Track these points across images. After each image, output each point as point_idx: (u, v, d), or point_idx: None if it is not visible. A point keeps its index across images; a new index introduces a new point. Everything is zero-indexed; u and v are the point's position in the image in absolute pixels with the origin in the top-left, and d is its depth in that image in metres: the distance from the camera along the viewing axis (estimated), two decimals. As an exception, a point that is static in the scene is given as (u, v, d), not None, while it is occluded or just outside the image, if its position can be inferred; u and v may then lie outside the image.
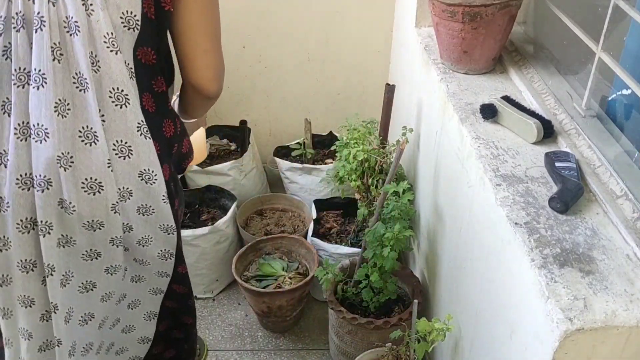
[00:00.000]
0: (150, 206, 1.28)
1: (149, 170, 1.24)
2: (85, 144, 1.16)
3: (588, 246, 1.09)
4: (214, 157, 2.52)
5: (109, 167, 1.18)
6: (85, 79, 1.13)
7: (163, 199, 1.28)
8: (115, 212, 1.23)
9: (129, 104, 1.18)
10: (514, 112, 1.41)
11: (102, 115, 1.17)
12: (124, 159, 1.21)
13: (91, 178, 1.18)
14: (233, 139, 2.58)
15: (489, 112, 1.45)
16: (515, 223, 1.15)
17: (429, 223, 1.84)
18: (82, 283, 1.32)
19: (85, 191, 1.18)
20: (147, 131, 1.22)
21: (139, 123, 1.20)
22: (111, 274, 1.35)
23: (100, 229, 1.24)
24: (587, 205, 1.19)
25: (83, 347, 1.44)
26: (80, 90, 1.14)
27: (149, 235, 1.33)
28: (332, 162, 2.38)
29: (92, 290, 1.35)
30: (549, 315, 0.98)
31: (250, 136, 2.47)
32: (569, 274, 1.03)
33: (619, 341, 0.97)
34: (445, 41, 1.66)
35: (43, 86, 1.11)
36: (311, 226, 2.20)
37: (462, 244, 1.51)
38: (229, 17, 2.33)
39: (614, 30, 1.29)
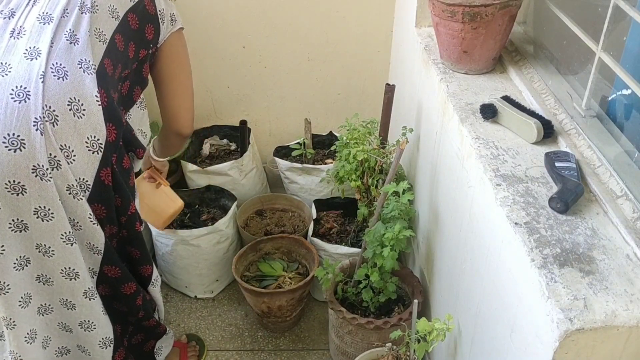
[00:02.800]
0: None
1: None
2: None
3: (588, 246, 1.09)
4: (214, 157, 2.52)
5: None
6: None
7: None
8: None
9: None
10: (514, 112, 1.41)
11: None
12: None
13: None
14: (233, 139, 2.58)
15: (489, 112, 1.45)
16: (515, 223, 1.15)
17: (429, 223, 1.84)
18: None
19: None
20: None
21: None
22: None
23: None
24: (587, 205, 1.19)
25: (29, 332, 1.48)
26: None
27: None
28: (332, 162, 2.38)
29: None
30: (549, 315, 0.98)
31: (250, 136, 2.47)
32: (569, 274, 1.03)
33: (619, 341, 0.97)
34: (445, 41, 1.66)
35: None
36: (311, 226, 2.20)
37: (462, 244, 1.51)
38: (229, 17, 2.33)
39: (614, 30, 1.29)
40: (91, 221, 1.37)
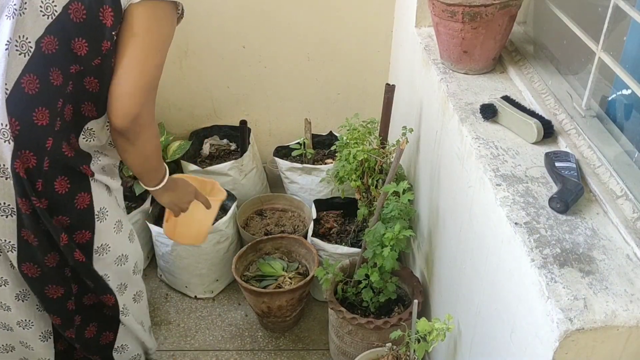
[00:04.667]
0: None
1: None
2: None
3: (588, 246, 1.09)
4: (214, 157, 2.52)
5: None
6: None
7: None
8: None
9: None
10: (514, 112, 1.41)
11: None
12: None
13: None
14: (233, 139, 2.58)
15: (489, 112, 1.45)
16: (515, 223, 1.15)
17: (429, 223, 1.84)
18: None
19: None
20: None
21: None
22: None
23: None
24: (587, 205, 1.19)
25: None
26: None
27: None
28: (332, 162, 2.38)
29: None
30: (549, 315, 0.98)
31: (250, 136, 2.47)
32: (569, 274, 1.03)
33: (619, 341, 0.97)
34: (445, 41, 1.66)
35: None
36: (311, 226, 2.20)
37: (462, 244, 1.51)
38: (229, 17, 2.33)
39: (614, 30, 1.29)
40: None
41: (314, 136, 2.50)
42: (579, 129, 1.36)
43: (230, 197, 2.32)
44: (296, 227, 2.37)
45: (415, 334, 1.55)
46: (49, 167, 1.31)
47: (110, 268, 1.56)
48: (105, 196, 1.49)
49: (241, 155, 2.40)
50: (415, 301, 1.61)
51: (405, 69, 2.16)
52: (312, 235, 2.17)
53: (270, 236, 2.23)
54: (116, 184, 1.55)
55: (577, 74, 1.51)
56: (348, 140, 2.02)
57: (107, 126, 1.43)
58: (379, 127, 2.01)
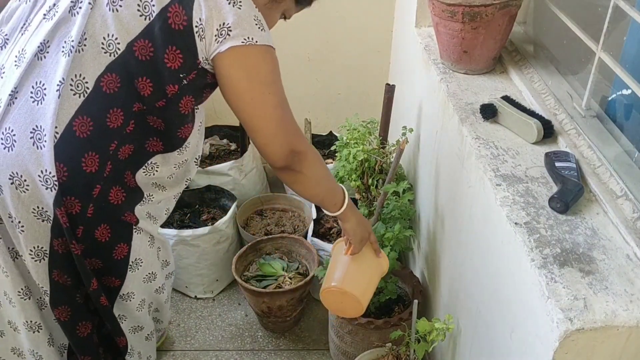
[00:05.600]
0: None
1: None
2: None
3: (588, 246, 1.09)
4: (214, 157, 2.52)
5: None
6: None
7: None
8: None
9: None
10: (514, 112, 1.41)
11: None
12: None
13: None
14: (233, 139, 2.58)
15: (489, 112, 1.45)
16: (515, 223, 1.15)
17: (429, 223, 1.84)
18: None
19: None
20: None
21: None
22: None
23: None
24: (587, 205, 1.19)
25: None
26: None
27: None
28: (332, 162, 2.38)
29: None
30: (549, 315, 0.98)
31: (250, 136, 2.47)
32: (569, 274, 1.03)
33: (619, 341, 0.97)
34: (445, 41, 1.66)
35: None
36: (311, 226, 2.20)
37: (462, 244, 1.51)
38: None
39: (614, 30, 1.29)
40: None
41: (314, 136, 2.50)
42: (579, 129, 1.36)
43: (230, 197, 2.32)
44: (296, 227, 2.37)
45: (415, 334, 1.55)
46: (93, 215, 1.26)
47: (129, 312, 1.52)
48: (145, 247, 1.45)
49: (241, 155, 2.40)
50: (415, 301, 1.61)
51: (405, 69, 2.16)
52: (312, 235, 2.17)
53: (270, 236, 2.23)
54: (156, 228, 1.50)
55: (577, 74, 1.51)
56: (348, 140, 2.02)
57: (176, 165, 1.37)
58: (379, 127, 2.01)
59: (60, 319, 1.37)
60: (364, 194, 2.05)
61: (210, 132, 2.57)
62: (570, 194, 1.17)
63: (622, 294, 0.99)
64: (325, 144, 2.54)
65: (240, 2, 1.12)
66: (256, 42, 1.13)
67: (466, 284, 1.48)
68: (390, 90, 1.91)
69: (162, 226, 2.15)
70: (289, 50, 2.42)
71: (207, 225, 2.15)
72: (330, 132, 2.54)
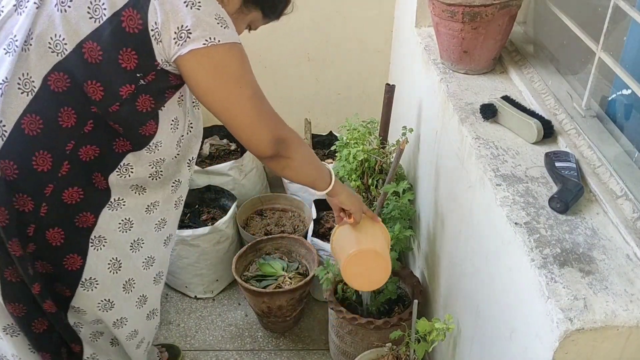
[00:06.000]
0: None
1: None
2: None
3: (588, 246, 1.09)
4: (214, 157, 2.52)
5: None
6: None
7: None
8: None
9: None
10: (514, 112, 1.41)
11: None
12: None
13: None
14: (233, 139, 2.57)
15: (489, 112, 1.45)
16: (515, 223, 1.15)
17: (429, 223, 1.84)
18: None
19: None
20: None
21: None
22: None
23: None
24: (587, 205, 1.19)
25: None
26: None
27: None
28: (332, 162, 2.38)
29: None
30: (549, 315, 0.98)
31: (250, 136, 2.46)
32: (569, 274, 1.03)
33: (619, 341, 0.97)
34: (445, 41, 1.66)
35: None
36: (311, 226, 2.20)
37: (462, 244, 1.51)
38: (229, 17, 2.33)
39: (614, 30, 1.29)
40: None
41: (314, 136, 2.50)
42: (579, 129, 1.36)
43: (230, 197, 2.32)
44: (296, 227, 2.37)
45: (415, 334, 1.55)
46: (46, 214, 1.22)
47: (84, 322, 1.43)
48: (104, 269, 1.34)
49: (241, 155, 2.40)
50: (415, 301, 1.61)
51: (405, 69, 2.16)
52: (312, 235, 2.17)
53: (270, 236, 2.23)
54: (128, 248, 1.37)
55: (577, 74, 1.51)
56: (348, 140, 2.02)
57: (151, 164, 1.30)
58: (379, 127, 2.01)
59: (14, 314, 1.31)
60: (364, 194, 2.05)
61: (210, 132, 2.57)
62: (570, 194, 1.17)
63: (622, 294, 0.99)
64: (325, 144, 2.54)
65: (199, 2, 1.09)
66: (219, 41, 1.10)
67: (466, 284, 1.48)
68: (390, 90, 1.91)
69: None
70: (289, 50, 2.43)
71: (207, 225, 2.15)
72: (330, 132, 2.54)
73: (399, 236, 1.70)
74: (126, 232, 1.35)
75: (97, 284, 1.35)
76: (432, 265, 1.83)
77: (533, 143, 1.38)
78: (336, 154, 2.11)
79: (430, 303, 1.87)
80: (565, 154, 1.29)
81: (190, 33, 1.09)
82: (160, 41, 1.10)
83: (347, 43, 2.40)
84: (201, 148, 2.54)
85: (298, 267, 2.17)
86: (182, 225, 2.25)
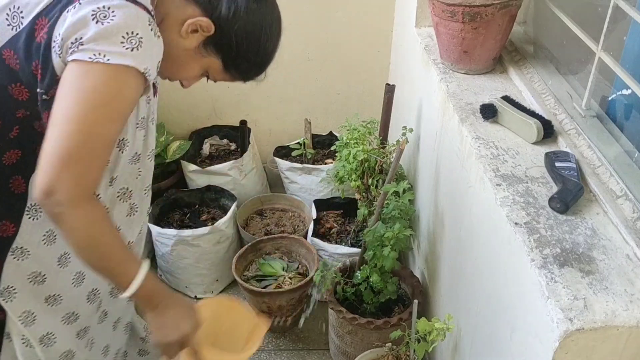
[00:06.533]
0: None
1: None
2: None
3: (588, 246, 1.09)
4: (214, 157, 2.52)
5: None
6: None
7: None
8: None
9: None
10: (514, 112, 1.41)
11: None
12: None
13: None
14: (233, 139, 2.58)
15: (489, 112, 1.45)
16: (515, 223, 1.15)
17: (429, 223, 1.84)
18: None
19: None
20: None
21: None
22: None
23: None
24: (587, 205, 1.19)
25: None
26: None
27: None
28: (332, 162, 2.38)
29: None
30: (549, 315, 0.98)
31: (250, 136, 2.47)
32: (569, 274, 1.03)
33: (619, 341, 0.97)
34: (445, 41, 1.66)
35: None
36: (311, 226, 2.20)
37: (462, 244, 1.51)
38: (229, 17, 2.33)
39: (614, 30, 1.29)
40: None
41: (314, 136, 2.50)
42: (579, 129, 1.36)
43: (230, 197, 2.32)
44: (296, 227, 2.37)
45: (415, 334, 1.55)
46: None
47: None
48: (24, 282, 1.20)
49: (241, 155, 2.40)
50: (415, 301, 1.61)
51: (405, 69, 2.16)
52: (312, 235, 2.17)
53: (270, 236, 2.23)
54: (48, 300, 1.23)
55: (577, 74, 1.51)
56: (348, 140, 2.02)
57: None
58: (379, 127, 2.01)
59: None
60: (364, 194, 2.06)
61: (210, 132, 2.57)
62: (570, 194, 1.17)
63: (622, 294, 0.99)
64: (325, 144, 2.54)
65: (111, 16, 0.96)
66: (108, 60, 0.95)
67: (466, 284, 1.48)
68: (390, 90, 1.91)
69: (162, 226, 2.16)
70: (289, 50, 2.42)
71: (207, 225, 2.15)
72: (330, 132, 2.54)
73: (399, 236, 1.70)
74: (51, 244, 1.21)
75: (15, 293, 1.22)
76: (432, 265, 1.83)
77: (533, 143, 1.38)
78: (336, 154, 2.11)
79: (430, 303, 1.87)
80: (565, 154, 1.29)
81: (82, 44, 0.96)
82: (60, 54, 0.99)
83: (347, 43, 2.40)
84: (201, 148, 2.54)
85: (298, 267, 2.17)
86: (182, 225, 2.25)
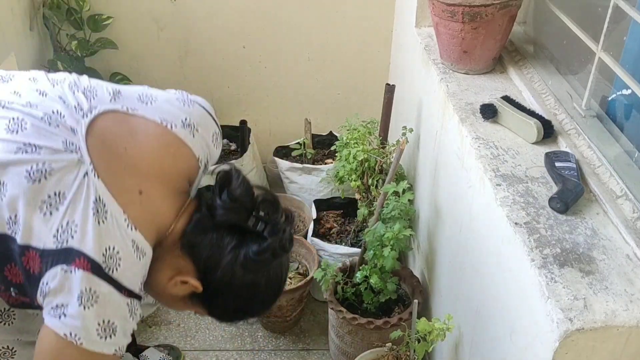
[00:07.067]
0: None
1: None
2: None
3: (588, 246, 1.09)
4: (214, 157, 2.52)
5: None
6: None
7: None
8: None
9: None
10: (514, 112, 1.41)
11: None
12: None
13: None
14: (233, 139, 2.57)
15: (489, 112, 1.45)
16: (515, 223, 1.15)
17: (429, 223, 1.84)
18: None
19: None
20: None
21: None
22: None
23: None
24: (587, 205, 1.19)
25: None
26: None
27: None
28: (332, 162, 2.38)
29: None
30: (549, 315, 0.98)
31: (250, 136, 2.47)
32: (569, 274, 1.03)
33: (619, 341, 0.97)
34: (445, 41, 1.66)
35: None
36: (311, 226, 2.20)
37: (462, 244, 1.50)
38: (230, 17, 2.33)
39: (614, 30, 1.29)
40: None
41: (314, 136, 2.50)
42: (579, 129, 1.36)
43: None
44: (296, 227, 2.37)
45: (415, 334, 1.55)
46: None
47: None
48: None
49: (241, 155, 2.40)
50: (415, 301, 1.61)
51: (405, 69, 2.16)
52: (312, 235, 2.17)
53: (270, 236, 2.23)
54: None
55: (577, 74, 1.51)
56: (348, 140, 2.02)
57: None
58: (379, 127, 2.01)
59: None
60: (364, 194, 2.06)
61: (210, 132, 2.57)
62: (570, 194, 1.17)
63: (622, 294, 0.99)
64: (325, 144, 2.53)
65: (94, 302, 0.96)
66: (81, 343, 0.96)
67: (466, 284, 1.48)
68: (390, 90, 1.91)
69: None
70: (288, 50, 2.43)
71: (207, 225, 2.15)
72: (330, 132, 2.54)
73: (399, 236, 1.70)
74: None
75: None
76: (432, 265, 1.83)
77: (533, 143, 1.38)
78: (336, 154, 2.11)
79: (430, 303, 1.87)
80: (565, 154, 1.29)
81: (64, 315, 0.96)
82: (41, 298, 0.98)
83: (347, 43, 2.40)
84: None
85: (298, 267, 2.17)
86: (182, 225, 2.24)
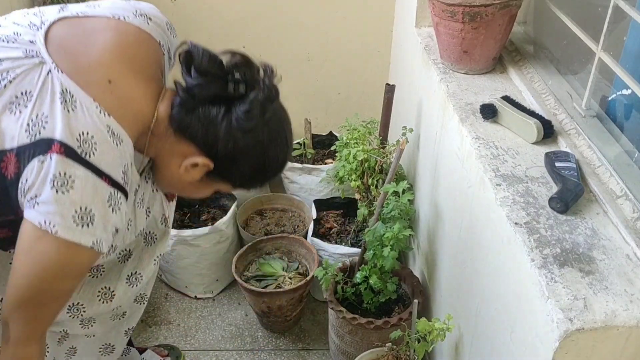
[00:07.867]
0: None
1: None
2: None
3: (588, 246, 1.09)
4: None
5: None
6: None
7: None
8: None
9: None
10: (514, 112, 1.41)
11: None
12: None
13: None
14: (233, 139, 2.57)
15: (489, 112, 1.45)
16: (515, 223, 1.15)
17: (429, 223, 1.84)
18: None
19: None
20: None
21: None
22: None
23: None
24: (587, 205, 1.19)
25: None
26: None
27: None
28: (332, 162, 2.38)
29: None
30: (549, 315, 0.98)
31: (250, 136, 2.46)
32: (569, 274, 1.03)
33: (619, 341, 0.97)
34: (445, 41, 1.66)
35: None
36: (311, 226, 2.20)
37: (462, 244, 1.51)
38: (230, 17, 2.33)
39: (614, 30, 1.30)
40: None
41: (314, 136, 2.50)
42: (579, 129, 1.36)
43: (230, 197, 2.32)
44: (296, 227, 2.37)
45: (415, 334, 1.55)
46: None
47: None
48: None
49: (241, 155, 2.40)
50: (415, 301, 1.61)
51: (405, 69, 2.16)
52: (312, 235, 2.17)
53: (270, 236, 2.23)
54: None
55: (577, 74, 1.52)
56: (348, 140, 2.02)
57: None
58: (379, 127, 2.01)
59: None
60: (364, 194, 2.06)
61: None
62: (570, 194, 1.17)
63: (622, 294, 0.99)
64: (325, 144, 2.53)
65: (69, 186, 0.95)
66: (56, 232, 0.95)
67: (466, 284, 1.48)
68: (390, 90, 1.91)
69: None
70: (288, 49, 2.43)
71: (207, 225, 2.15)
72: (330, 132, 2.54)
73: (399, 236, 1.70)
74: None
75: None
76: (432, 265, 1.83)
77: (533, 143, 1.38)
78: (336, 154, 2.11)
79: (430, 303, 1.87)
80: (565, 154, 1.29)
81: (37, 204, 0.96)
82: (24, 196, 0.99)
83: (347, 43, 2.40)
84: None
85: (298, 267, 2.17)
86: (182, 225, 2.25)
